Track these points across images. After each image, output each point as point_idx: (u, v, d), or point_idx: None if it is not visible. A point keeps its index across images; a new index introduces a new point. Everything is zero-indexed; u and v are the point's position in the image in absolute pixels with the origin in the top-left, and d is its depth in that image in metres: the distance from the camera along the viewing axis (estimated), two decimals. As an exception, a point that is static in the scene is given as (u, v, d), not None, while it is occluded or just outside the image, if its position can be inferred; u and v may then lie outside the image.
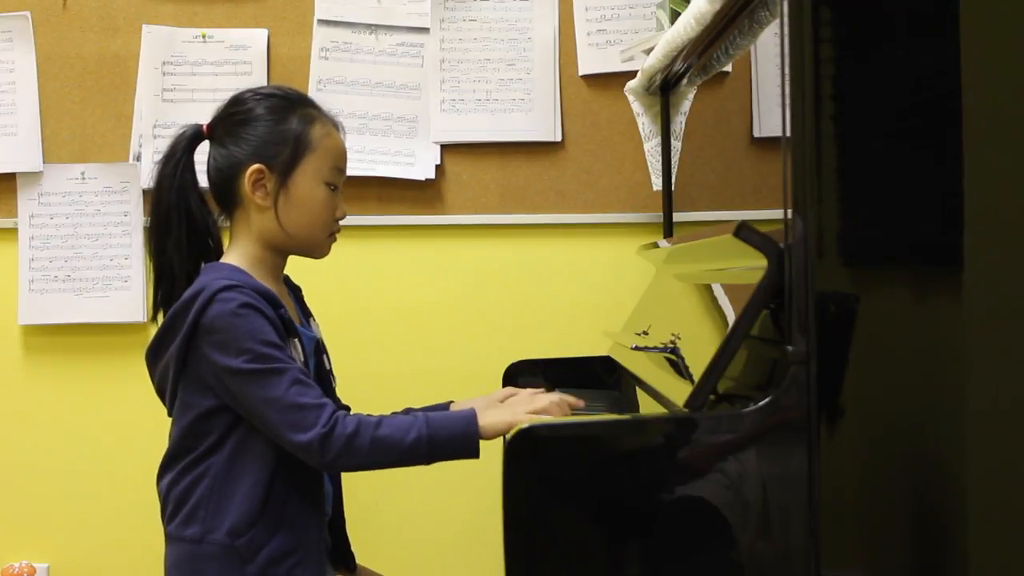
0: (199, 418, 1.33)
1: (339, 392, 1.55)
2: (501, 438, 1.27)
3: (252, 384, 1.27)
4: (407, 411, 1.57)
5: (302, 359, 1.38)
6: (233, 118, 1.41)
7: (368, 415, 1.31)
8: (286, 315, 1.35)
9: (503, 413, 1.30)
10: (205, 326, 1.29)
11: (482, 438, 1.29)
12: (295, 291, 1.56)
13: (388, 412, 1.61)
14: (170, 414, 1.38)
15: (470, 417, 1.30)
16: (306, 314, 1.54)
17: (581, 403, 1.42)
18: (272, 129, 1.39)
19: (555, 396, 1.38)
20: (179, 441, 1.35)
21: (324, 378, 1.48)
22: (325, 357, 1.50)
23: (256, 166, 1.38)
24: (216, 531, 1.31)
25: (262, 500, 1.31)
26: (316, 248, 1.45)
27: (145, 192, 2.14)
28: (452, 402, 1.58)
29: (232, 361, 1.27)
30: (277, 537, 1.32)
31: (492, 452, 1.30)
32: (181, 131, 1.43)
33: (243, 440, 1.32)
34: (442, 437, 1.28)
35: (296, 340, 1.37)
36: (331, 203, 1.42)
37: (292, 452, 1.29)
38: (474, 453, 1.30)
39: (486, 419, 1.30)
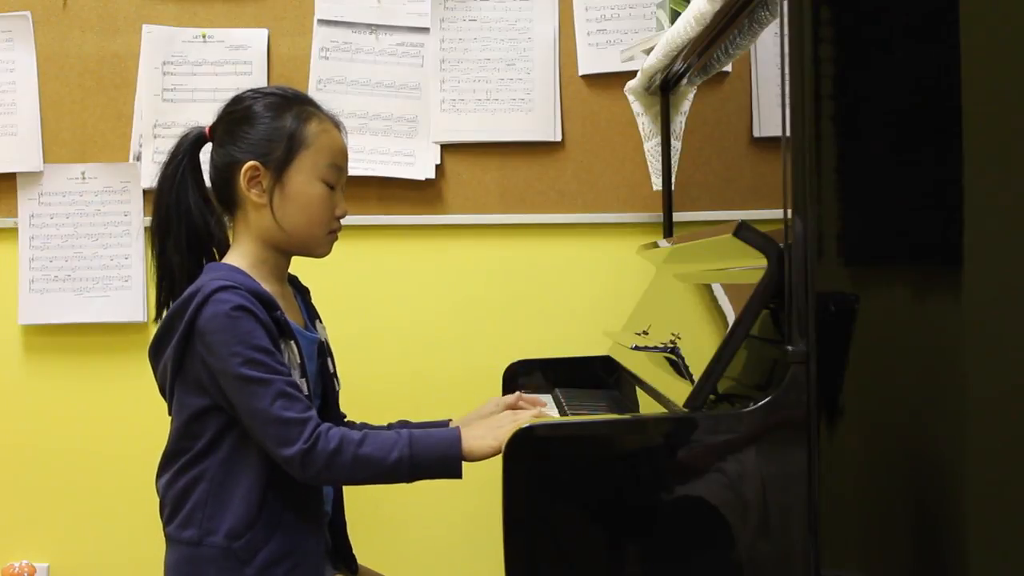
0: (193, 418, 1.33)
1: (340, 392, 1.54)
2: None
3: (240, 392, 1.27)
4: (401, 423, 1.57)
5: (298, 362, 1.37)
6: (231, 116, 1.42)
7: (352, 430, 1.30)
8: (281, 318, 1.35)
9: (487, 437, 1.29)
10: (200, 328, 1.29)
11: (466, 460, 1.29)
12: (302, 293, 1.55)
13: (387, 416, 1.62)
14: (170, 413, 1.38)
15: (454, 440, 1.30)
16: (312, 316, 1.53)
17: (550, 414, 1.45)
18: (267, 126, 1.39)
19: (534, 411, 1.42)
20: (175, 441, 1.36)
21: (327, 380, 1.48)
22: (330, 360, 1.50)
23: (251, 163, 1.38)
24: (214, 534, 1.31)
25: (259, 503, 1.32)
26: (315, 246, 1.44)
27: (146, 192, 2.15)
28: (450, 420, 1.57)
29: (223, 364, 1.27)
30: (274, 540, 1.32)
31: (492, 452, 1.30)
32: (185, 133, 1.44)
33: (239, 443, 1.32)
34: (424, 458, 1.28)
35: (292, 343, 1.36)
36: (328, 200, 1.42)
37: (278, 463, 1.29)
38: (456, 474, 1.29)
39: (470, 442, 1.29)
